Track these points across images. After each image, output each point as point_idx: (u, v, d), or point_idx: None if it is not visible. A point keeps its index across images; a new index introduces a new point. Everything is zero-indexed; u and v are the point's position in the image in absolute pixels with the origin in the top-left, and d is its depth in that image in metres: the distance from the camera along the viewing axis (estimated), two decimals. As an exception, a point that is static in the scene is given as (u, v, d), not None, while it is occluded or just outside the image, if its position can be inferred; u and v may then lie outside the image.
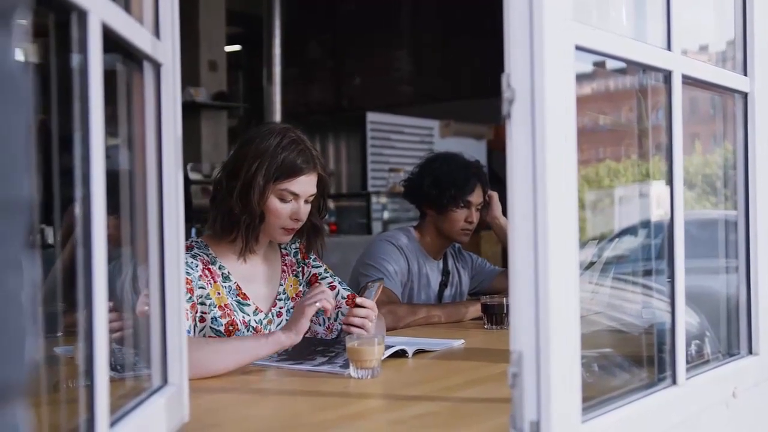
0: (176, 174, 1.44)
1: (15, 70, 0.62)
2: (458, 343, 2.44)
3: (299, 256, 2.51)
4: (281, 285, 2.44)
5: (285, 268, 2.47)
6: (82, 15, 1.02)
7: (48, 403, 1.29)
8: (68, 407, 1.27)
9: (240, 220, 2.26)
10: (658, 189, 1.88)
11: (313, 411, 1.70)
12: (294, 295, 2.46)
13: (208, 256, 2.30)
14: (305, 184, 2.30)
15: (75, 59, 1.04)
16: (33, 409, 0.68)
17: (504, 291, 3.07)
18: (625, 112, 2.11)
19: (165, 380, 1.42)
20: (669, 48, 1.58)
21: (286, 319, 2.38)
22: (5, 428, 0.62)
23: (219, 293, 2.27)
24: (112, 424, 1.13)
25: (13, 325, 0.62)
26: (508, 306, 2.76)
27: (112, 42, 1.15)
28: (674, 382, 1.57)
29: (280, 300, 2.42)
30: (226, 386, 1.94)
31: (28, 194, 0.63)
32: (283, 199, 2.28)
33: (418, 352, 2.27)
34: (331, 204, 8.02)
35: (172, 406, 1.40)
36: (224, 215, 2.28)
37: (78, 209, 1.05)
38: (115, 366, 1.39)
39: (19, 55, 0.64)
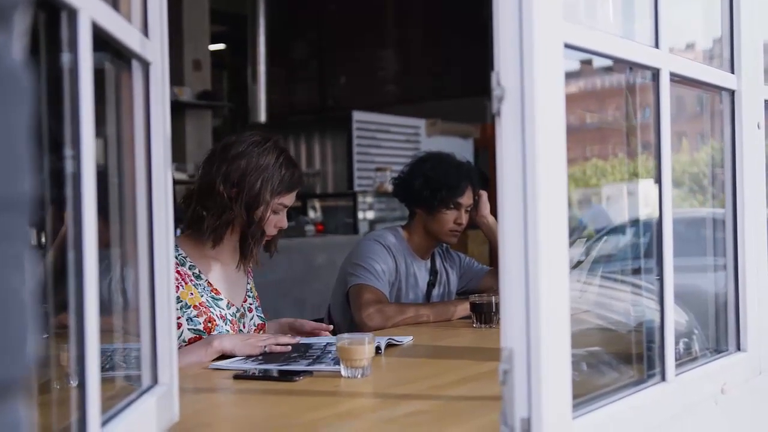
0: (165, 174, 1.43)
1: (16, 69, 0.62)
2: (407, 340, 2.47)
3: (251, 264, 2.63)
4: (248, 284, 2.56)
5: (249, 269, 2.59)
6: (72, 13, 1.02)
7: (37, 403, 1.28)
8: (57, 408, 1.26)
9: (246, 233, 2.38)
10: (645, 187, 1.89)
11: (303, 410, 1.70)
12: (256, 296, 2.59)
13: (177, 257, 2.34)
14: (294, 197, 2.47)
15: (65, 58, 1.04)
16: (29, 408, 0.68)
17: (492, 290, 3.07)
18: (611, 110, 2.12)
19: (155, 380, 1.42)
20: (657, 46, 1.59)
21: (257, 315, 2.53)
22: (8, 424, 0.62)
23: (192, 293, 2.34)
24: (103, 423, 1.12)
25: (15, 322, 0.62)
26: (496, 304, 2.78)
27: (101, 40, 1.14)
28: (663, 378, 1.58)
29: (249, 297, 2.54)
30: (216, 386, 1.93)
31: (29, 192, 0.64)
32: (275, 212, 2.41)
33: (390, 346, 2.34)
34: (317, 204, 8.01)
35: (163, 405, 1.40)
36: (224, 225, 2.36)
37: (68, 210, 1.04)
38: (104, 366, 1.38)
39: (19, 54, 0.64)
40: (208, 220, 2.35)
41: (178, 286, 2.28)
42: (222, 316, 2.37)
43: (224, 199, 2.33)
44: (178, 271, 2.32)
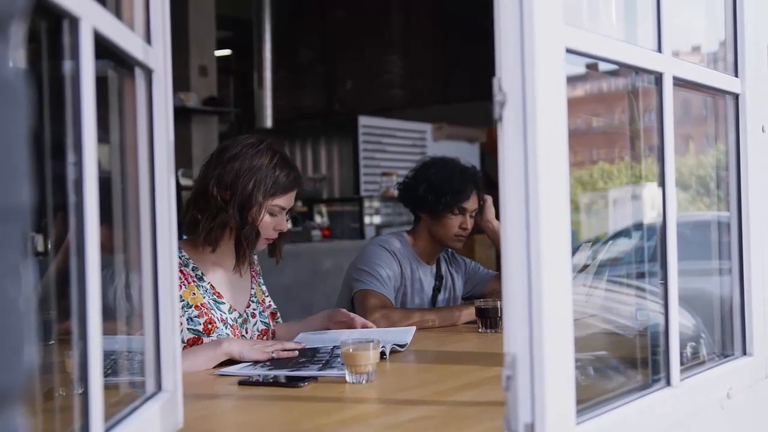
0: (168, 180, 1.44)
1: (13, 77, 0.63)
2: (412, 331, 2.52)
3: (258, 268, 2.65)
4: (252, 289, 2.56)
5: (254, 274, 2.59)
6: (74, 22, 1.02)
7: (42, 410, 1.28)
8: (62, 414, 1.27)
9: (240, 235, 2.38)
10: (651, 191, 1.89)
11: (308, 416, 1.69)
12: (261, 300, 2.58)
13: (180, 258, 2.35)
14: (292, 199, 2.45)
15: (66, 65, 1.04)
16: (28, 416, 0.69)
17: (498, 294, 3.07)
18: (618, 114, 2.11)
19: (159, 387, 1.42)
20: (660, 50, 1.59)
21: (260, 321, 2.53)
22: None
23: (194, 293, 2.35)
24: (107, 430, 1.12)
25: (12, 331, 0.62)
26: (502, 309, 2.77)
27: (104, 48, 1.15)
28: (668, 383, 1.58)
29: (253, 302, 2.54)
30: (220, 392, 1.93)
31: (26, 201, 0.64)
32: (271, 214, 2.40)
33: (394, 352, 2.33)
34: (324, 209, 8.00)
35: (167, 412, 1.40)
36: (218, 227, 2.36)
37: (70, 216, 1.04)
38: (107, 371, 1.39)
39: (16, 62, 0.64)
40: (203, 223, 2.35)
41: (180, 285, 2.29)
42: (222, 320, 2.37)
43: (218, 201, 2.34)
44: (181, 271, 2.33)
